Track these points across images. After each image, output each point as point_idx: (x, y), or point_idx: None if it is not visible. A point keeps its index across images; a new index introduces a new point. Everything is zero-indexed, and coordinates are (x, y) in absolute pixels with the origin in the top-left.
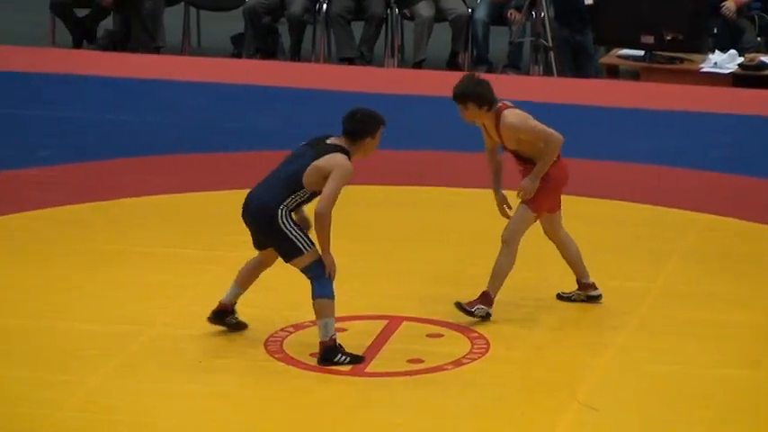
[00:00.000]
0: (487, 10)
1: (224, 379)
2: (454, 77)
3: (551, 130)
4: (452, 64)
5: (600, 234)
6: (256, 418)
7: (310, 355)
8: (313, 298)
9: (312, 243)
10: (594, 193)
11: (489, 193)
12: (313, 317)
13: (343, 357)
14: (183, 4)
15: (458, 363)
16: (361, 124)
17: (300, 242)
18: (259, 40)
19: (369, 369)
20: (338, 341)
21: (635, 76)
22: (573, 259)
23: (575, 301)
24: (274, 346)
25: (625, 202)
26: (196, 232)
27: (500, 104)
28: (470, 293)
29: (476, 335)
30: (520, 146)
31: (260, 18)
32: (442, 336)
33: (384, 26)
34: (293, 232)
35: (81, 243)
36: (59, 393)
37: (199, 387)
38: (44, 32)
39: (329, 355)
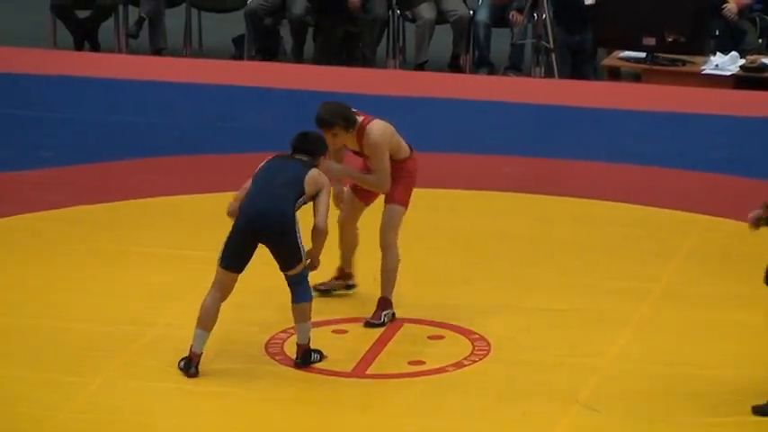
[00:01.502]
0: (489, 12)
1: (225, 380)
2: (456, 79)
3: (386, 174)
4: (454, 66)
5: (601, 235)
6: (257, 418)
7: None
8: (297, 302)
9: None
10: (596, 194)
11: (489, 194)
12: (313, 319)
13: (315, 356)
14: (184, 5)
15: (459, 364)
16: (316, 143)
17: (302, 251)
18: (260, 42)
19: (370, 371)
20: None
21: (636, 77)
22: (348, 249)
23: (332, 291)
24: (275, 348)
25: (626, 204)
26: (197, 233)
27: (362, 119)
28: (469, 293)
29: (476, 336)
30: None
31: (261, 20)
32: (443, 337)
33: (386, 28)
34: (300, 241)
35: (82, 243)
36: (60, 393)
37: (200, 388)
38: (45, 33)
39: (308, 357)
